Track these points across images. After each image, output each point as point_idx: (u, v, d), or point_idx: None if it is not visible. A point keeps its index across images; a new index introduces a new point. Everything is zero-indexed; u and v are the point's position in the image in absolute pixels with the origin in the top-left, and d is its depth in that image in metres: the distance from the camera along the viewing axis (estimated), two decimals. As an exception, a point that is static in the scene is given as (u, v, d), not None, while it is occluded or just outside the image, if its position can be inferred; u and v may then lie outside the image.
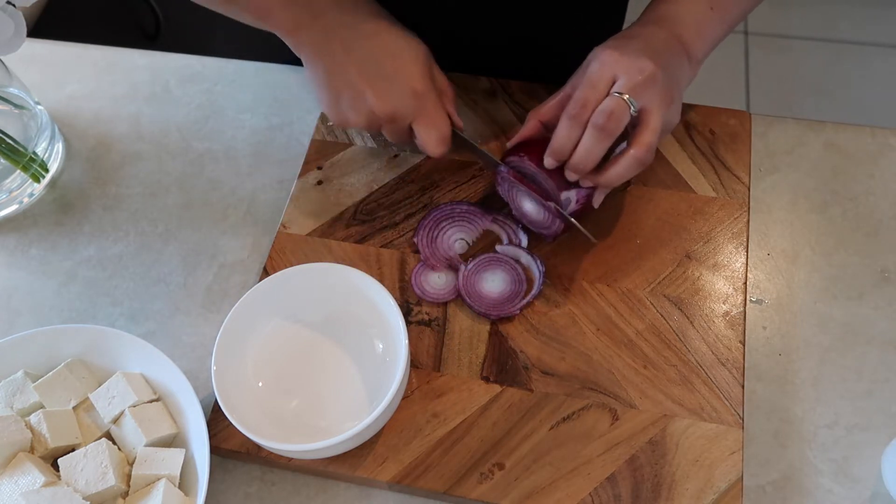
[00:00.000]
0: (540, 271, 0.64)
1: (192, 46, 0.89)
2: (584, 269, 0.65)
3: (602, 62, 0.58)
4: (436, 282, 0.65)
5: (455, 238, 0.67)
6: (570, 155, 0.59)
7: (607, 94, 0.58)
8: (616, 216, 0.68)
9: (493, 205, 0.69)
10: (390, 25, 0.63)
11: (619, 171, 0.59)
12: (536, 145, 0.62)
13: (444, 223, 0.68)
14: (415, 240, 0.67)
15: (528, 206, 0.65)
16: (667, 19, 0.63)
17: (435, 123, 0.63)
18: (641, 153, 0.58)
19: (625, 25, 0.82)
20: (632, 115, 0.57)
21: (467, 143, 0.66)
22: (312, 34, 0.63)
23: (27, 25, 0.65)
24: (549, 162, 0.60)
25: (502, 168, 0.64)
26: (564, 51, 0.81)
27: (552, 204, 0.62)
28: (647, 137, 0.58)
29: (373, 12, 0.64)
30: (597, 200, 0.63)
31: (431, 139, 0.64)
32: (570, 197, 0.62)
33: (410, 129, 0.64)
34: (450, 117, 0.65)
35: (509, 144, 0.65)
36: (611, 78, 0.58)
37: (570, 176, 0.61)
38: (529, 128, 0.64)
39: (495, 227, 0.68)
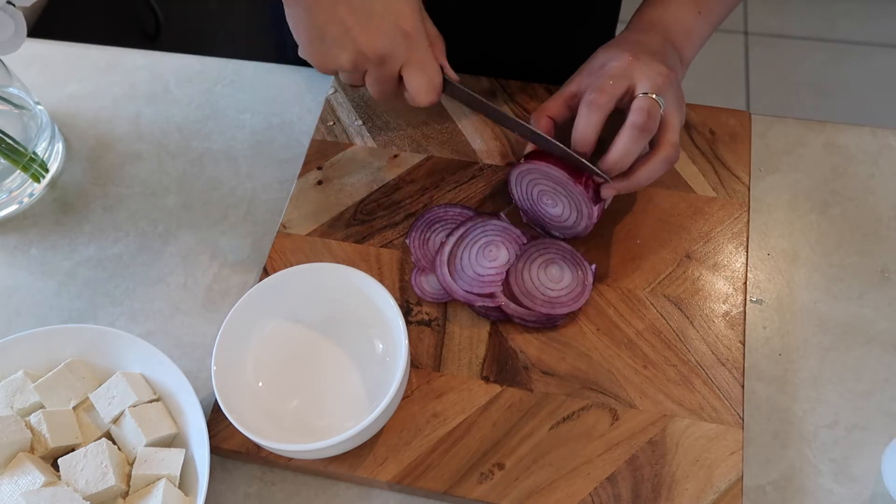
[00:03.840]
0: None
1: (192, 46, 0.89)
2: (584, 269, 0.65)
3: (620, 62, 0.59)
4: (435, 282, 0.65)
5: None
6: (590, 146, 0.59)
7: (625, 91, 0.59)
8: (616, 216, 0.68)
9: (489, 207, 0.69)
10: None
11: (650, 172, 0.60)
12: (552, 154, 0.62)
13: (436, 226, 0.68)
14: (407, 241, 0.67)
15: (551, 205, 0.64)
16: (658, 25, 0.65)
17: (425, 69, 0.60)
18: (671, 152, 0.59)
19: (619, 24, 0.83)
20: (661, 115, 0.58)
21: (466, 94, 0.63)
22: None
23: (27, 25, 0.65)
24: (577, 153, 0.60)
25: (514, 171, 0.64)
26: (562, 52, 0.82)
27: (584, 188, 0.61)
28: (672, 137, 0.59)
29: None
30: (608, 197, 0.64)
31: (422, 86, 0.60)
32: (593, 211, 0.62)
33: (398, 80, 0.61)
34: (441, 68, 0.62)
35: (527, 151, 0.64)
36: (629, 77, 0.58)
37: (598, 178, 0.60)
38: (542, 126, 0.63)
39: None
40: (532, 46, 0.82)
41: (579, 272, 0.64)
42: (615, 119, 0.60)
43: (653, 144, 0.60)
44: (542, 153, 0.62)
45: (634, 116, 0.57)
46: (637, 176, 0.60)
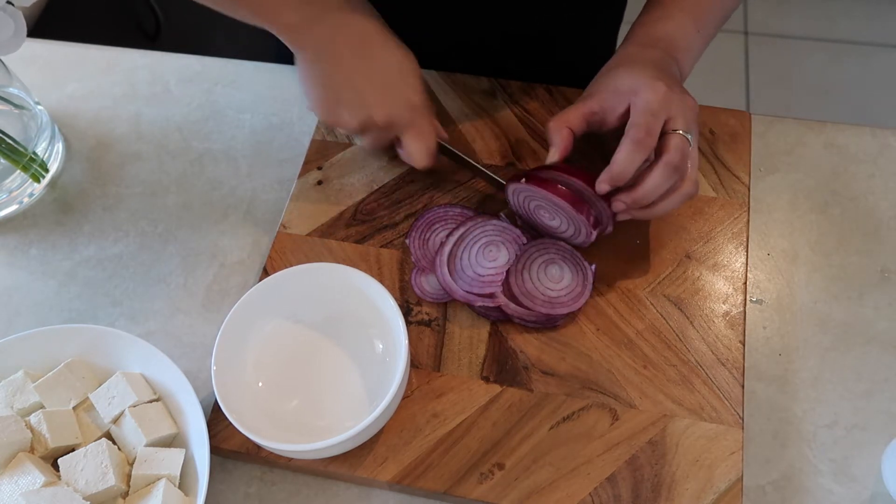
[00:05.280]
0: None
1: (192, 46, 0.89)
2: (584, 269, 0.65)
3: (657, 94, 0.58)
4: (435, 282, 0.65)
5: None
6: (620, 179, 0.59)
7: (662, 126, 0.59)
8: (616, 216, 0.68)
9: (489, 208, 0.69)
10: (390, 35, 0.65)
11: (670, 205, 0.60)
12: (569, 172, 0.61)
13: (436, 226, 0.68)
14: (407, 241, 0.67)
15: (548, 218, 0.64)
16: (663, 41, 0.65)
17: (424, 136, 0.65)
18: (690, 188, 0.60)
19: (622, 26, 0.83)
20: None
21: (460, 157, 0.69)
22: (319, 33, 0.62)
23: (27, 25, 0.65)
24: (602, 188, 0.59)
25: (512, 185, 0.63)
26: (563, 51, 0.82)
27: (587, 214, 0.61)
28: (693, 173, 0.60)
29: (373, 18, 0.64)
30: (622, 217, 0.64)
31: (420, 151, 0.66)
32: (592, 234, 0.62)
33: (393, 140, 0.67)
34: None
35: (548, 161, 0.63)
36: (667, 111, 0.59)
37: (618, 206, 0.60)
38: (564, 137, 0.62)
39: None
40: (533, 47, 0.82)
41: (579, 272, 0.64)
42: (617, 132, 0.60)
43: None
44: (543, 179, 0.61)
45: (671, 155, 0.58)
46: (657, 208, 0.60)
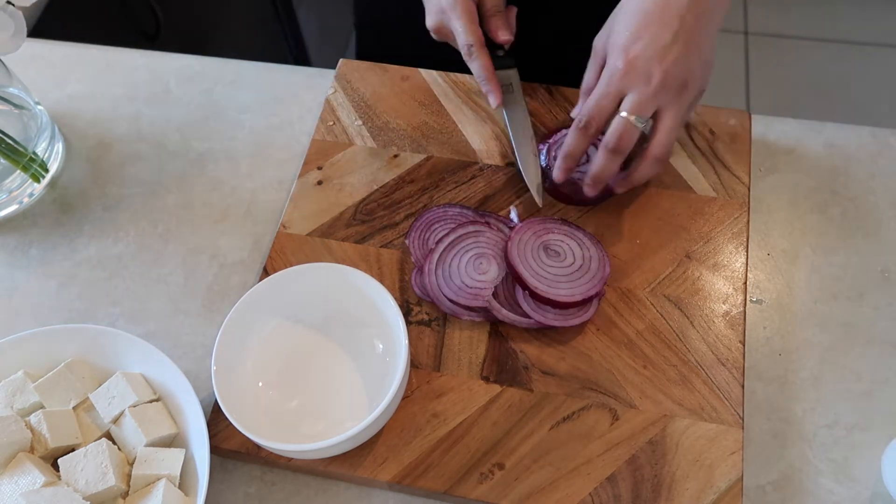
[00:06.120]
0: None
1: (192, 46, 0.89)
2: (584, 269, 0.65)
3: (612, 73, 0.60)
4: (436, 282, 0.65)
5: None
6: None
7: (616, 107, 0.61)
8: (616, 216, 0.68)
9: (489, 207, 0.69)
10: None
11: (643, 173, 0.64)
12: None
13: (435, 226, 0.68)
14: (407, 241, 0.67)
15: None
16: None
17: (459, 37, 0.69)
18: (659, 152, 0.62)
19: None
20: (642, 131, 0.60)
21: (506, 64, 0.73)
22: None
23: (27, 25, 0.65)
24: (560, 173, 0.65)
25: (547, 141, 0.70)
26: (564, 59, 0.81)
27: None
28: (661, 137, 0.61)
29: None
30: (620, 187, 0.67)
31: (461, 47, 0.69)
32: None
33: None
34: (491, 32, 0.71)
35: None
36: (618, 92, 0.60)
37: (588, 191, 0.64)
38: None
39: None
40: (535, 54, 0.81)
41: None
42: None
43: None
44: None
45: (607, 138, 0.61)
46: (630, 179, 0.64)
